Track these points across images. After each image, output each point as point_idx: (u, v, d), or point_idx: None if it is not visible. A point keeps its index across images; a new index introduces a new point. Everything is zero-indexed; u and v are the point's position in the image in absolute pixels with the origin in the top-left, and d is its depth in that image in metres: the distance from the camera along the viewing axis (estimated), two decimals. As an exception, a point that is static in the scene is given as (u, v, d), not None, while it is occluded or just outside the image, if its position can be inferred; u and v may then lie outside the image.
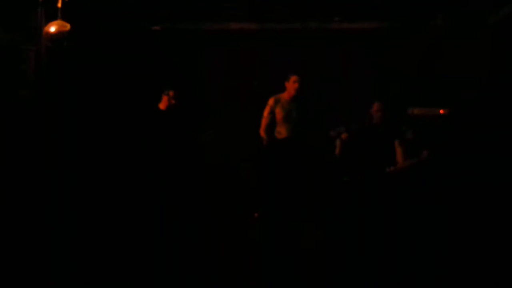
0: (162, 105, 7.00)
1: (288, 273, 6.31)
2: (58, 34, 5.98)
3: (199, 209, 6.88)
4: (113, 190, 6.70)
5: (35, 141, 6.07)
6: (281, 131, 6.93)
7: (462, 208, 6.24)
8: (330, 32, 7.62)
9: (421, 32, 7.52)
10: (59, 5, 6.00)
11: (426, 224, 6.21)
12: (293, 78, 6.92)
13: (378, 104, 6.75)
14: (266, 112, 6.97)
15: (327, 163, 6.84)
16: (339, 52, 7.61)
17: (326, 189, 6.74)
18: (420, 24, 7.50)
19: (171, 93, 6.96)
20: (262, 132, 6.97)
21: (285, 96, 6.96)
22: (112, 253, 6.37)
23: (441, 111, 6.72)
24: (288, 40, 7.64)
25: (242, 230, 6.73)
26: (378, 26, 7.57)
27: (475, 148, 6.47)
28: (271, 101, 6.97)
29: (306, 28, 7.62)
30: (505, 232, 6.12)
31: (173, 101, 6.96)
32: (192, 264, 6.46)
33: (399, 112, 6.81)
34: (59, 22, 6.01)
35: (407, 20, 7.50)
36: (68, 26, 6.01)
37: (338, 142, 6.75)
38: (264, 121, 6.97)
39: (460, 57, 7.25)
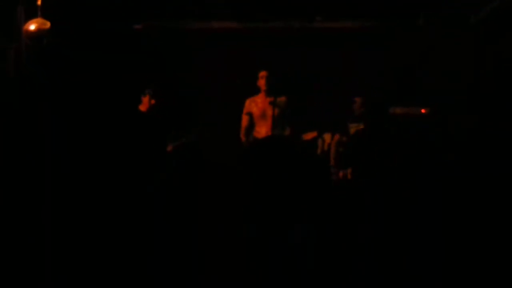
0: (142, 107, 6.88)
1: (280, 273, 6.28)
2: (37, 32, 5.93)
3: (187, 210, 6.86)
4: (104, 190, 6.64)
5: (18, 139, 6.03)
6: (260, 130, 6.86)
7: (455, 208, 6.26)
8: (312, 31, 7.65)
9: (403, 31, 7.54)
10: (39, 2, 5.95)
11: (419, 224, 6.21)
12: (260, 74, 6.83)
13: (360, 98, 6.75)
14: (243, 114, 6.88)
15: (311, 161, 6.83)
16: (322, 51, 7.62)
17: (311, 187, 6.73)
18: (402, 24, 7.53)
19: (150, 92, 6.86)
20: (241, 135, 6.92)
21: (260, 95, 6.88)
22: (106, 253, 6.33)
23: (423, 111, 6.75)
24: (270, 39, 7.65)
25: (230, 229, 6.71)
26: (361, 26, 7.61)
27: (461, 147, 6.50)
28: (247, 103, 6.87)
29: (289, 27, 7.64)
30: (500, 232, 6.11)
31: (153, 101, 6.86)
32: (184, 264, 6.43)
33: (382, 111, 6.82)
34: (39, 20, 5.92)
35: (389, 20, 7.53)
36: (48, 24, 5.93)
37: (319, 142, 6.77)
38: (242, 123, 6.90)
39: (443, 56, 7.30)
